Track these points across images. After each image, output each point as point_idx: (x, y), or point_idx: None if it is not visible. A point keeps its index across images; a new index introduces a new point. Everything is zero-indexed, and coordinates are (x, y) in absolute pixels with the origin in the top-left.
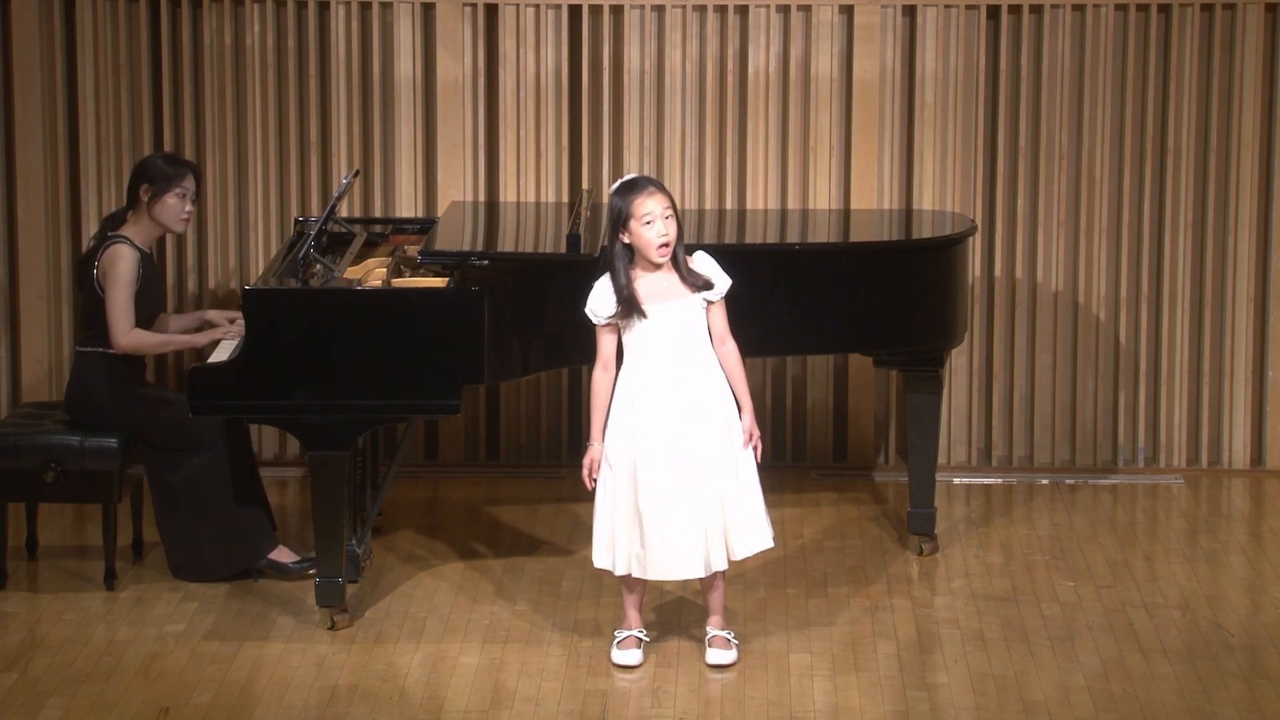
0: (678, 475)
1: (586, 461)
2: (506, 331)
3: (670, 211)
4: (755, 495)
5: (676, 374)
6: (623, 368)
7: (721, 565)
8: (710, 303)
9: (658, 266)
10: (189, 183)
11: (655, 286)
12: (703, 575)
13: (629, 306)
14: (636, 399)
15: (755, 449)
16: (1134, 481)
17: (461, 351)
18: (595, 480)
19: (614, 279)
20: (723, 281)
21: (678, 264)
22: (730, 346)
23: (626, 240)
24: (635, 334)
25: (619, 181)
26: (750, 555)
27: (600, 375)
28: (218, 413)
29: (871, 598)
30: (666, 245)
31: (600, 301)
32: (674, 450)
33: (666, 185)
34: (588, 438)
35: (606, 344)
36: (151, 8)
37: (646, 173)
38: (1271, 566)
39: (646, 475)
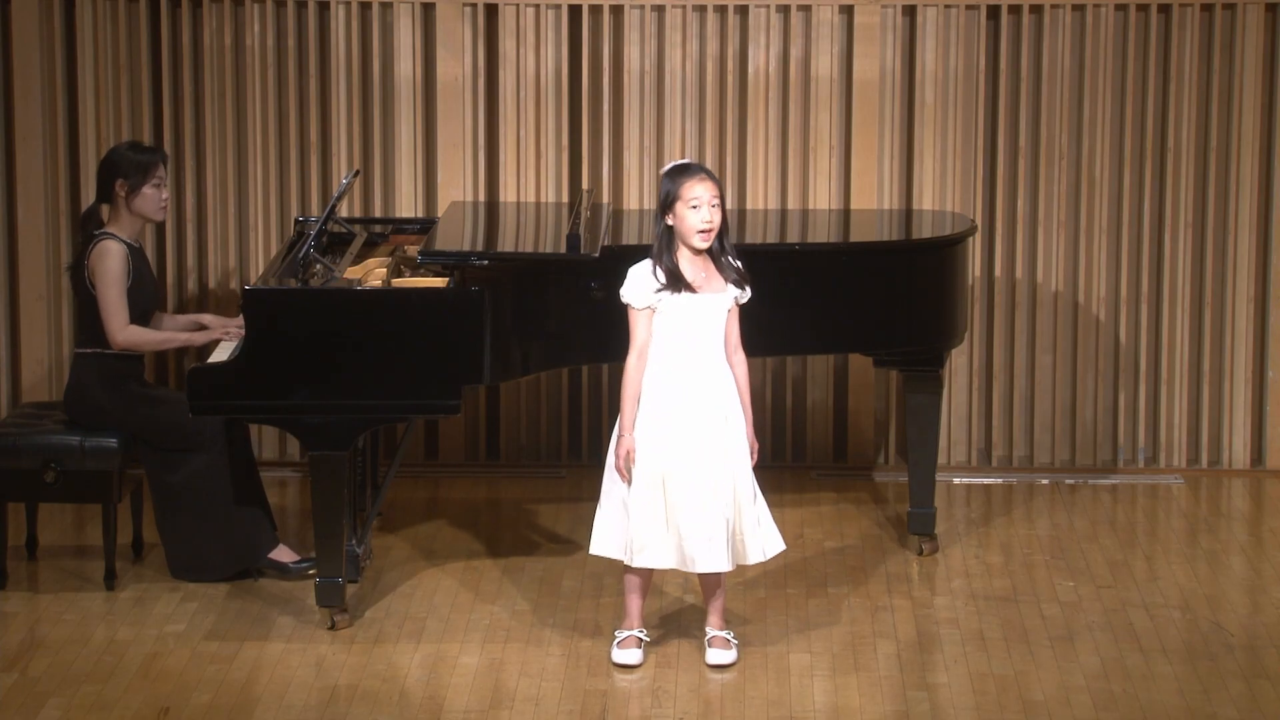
0: (705, 470)
1: (621, 452)
2: (506, 331)
3: (717, 201)
4: (762, 502)
5: (703, 366)
6: (651, 359)
7: (730, 565)
8: (735, 304)
9: (696, 254)
10: (162, 171)
11: (695, 275)
12: (728, 569)
13: (675, 283)
14: (664, 389)
15: (753, 458)
16: (1134, 481)
17: (461, 351)
18: (630, 470)
19: (658, 258)
20: (748, 286)
21: (715, 257)
22: (742, 357)
23: (670, 223)
24: (669, 321)
25: (671, 164)
26: (765, 560)
27: (635, 363)
28: (218, 413)
29: (871, 598)
30: (707, 232)
31: (639, 284)
32: (702, 444)
33: None
34: (619, 428)
35: (642, 331)
36: (151, 8)
37: (646, 172)
38: (1271, 566)
39: (676, 469)
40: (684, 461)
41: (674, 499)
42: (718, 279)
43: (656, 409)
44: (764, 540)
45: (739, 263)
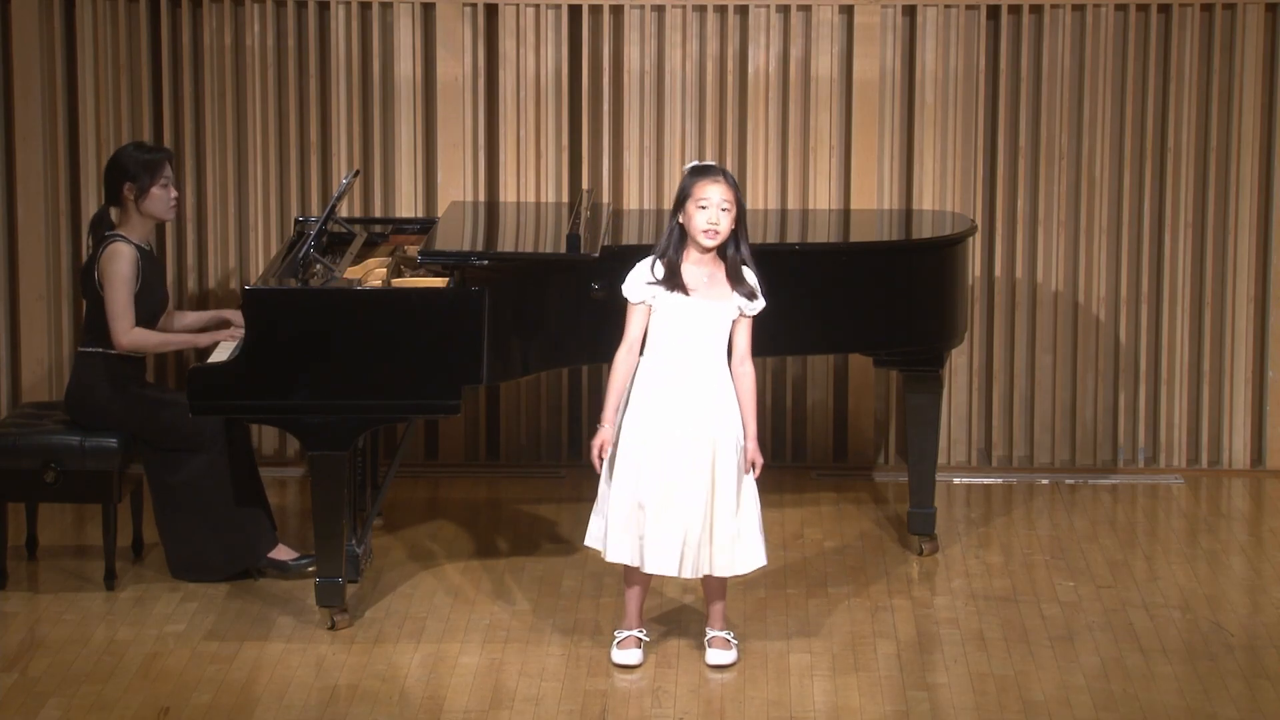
0: (675, 473)
1: (596, 442)
2: (506, 331)
3: (728, 205)
4: (748, 517)
5: (693, 372)
6: (645, 355)
7: (694, 574)
8: (743, 315)
9: (705, 254)
10: (169, 170)
11: (698, 278)
12: (683, 576)
13: (670, 280)
14: (653, 387)
15: (754, 472)
16: (1134, 481)
17: (461, 351)
18: (603, 460)
19: (661, 253)
20: (761, 299)
21: (728, 264)
22: (748, 369)
23: (681, 221)
24: (664, 320)
25: (694, 163)
26: (730, 576)
27: (624, 356)
28: (218, 413)
29: (871, 598)
30: (711, 232)
31: (636, 277)
32: (678, 448)
33: (665, 184)
34: (599, 420)
35: (635, 325)
36: (151, 8)
37: (646, 172)
38: (1271, 566)
39: (650, 467)
40: (657, 463)
41: (643, 498)
42: (723, 286)
43: (644, 406)
44: (738, 555)
45: (754, 277)
